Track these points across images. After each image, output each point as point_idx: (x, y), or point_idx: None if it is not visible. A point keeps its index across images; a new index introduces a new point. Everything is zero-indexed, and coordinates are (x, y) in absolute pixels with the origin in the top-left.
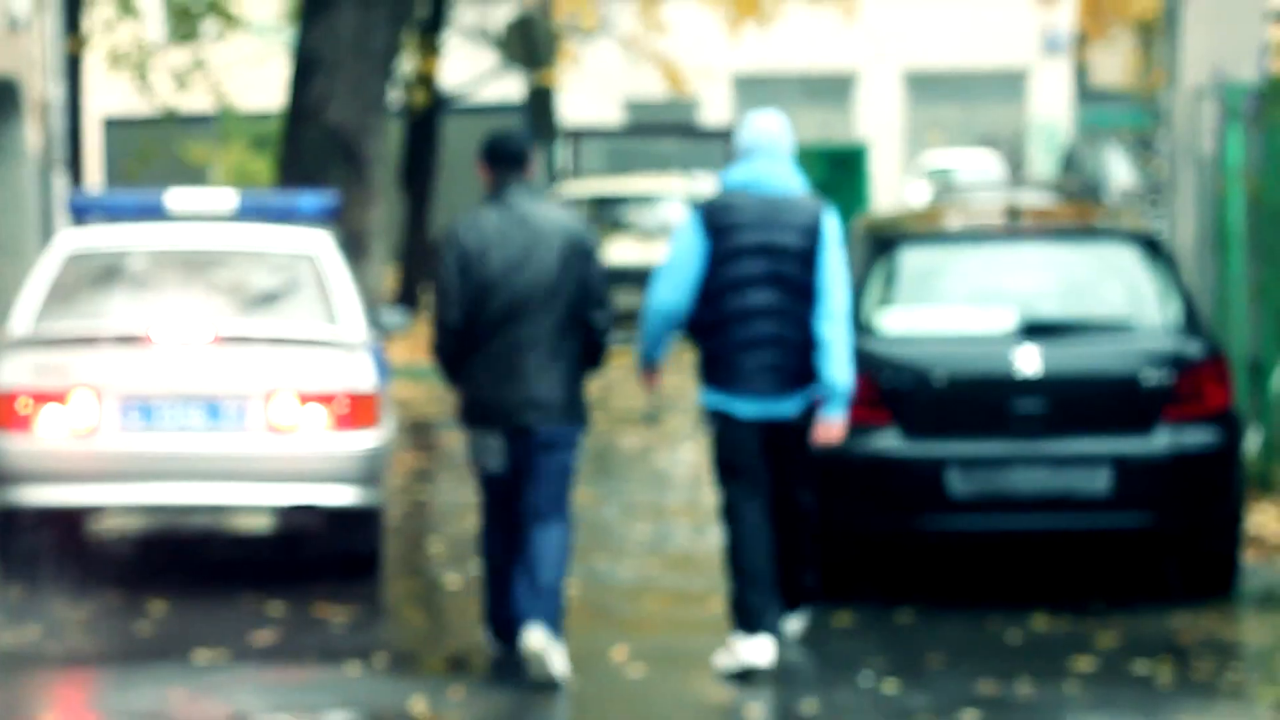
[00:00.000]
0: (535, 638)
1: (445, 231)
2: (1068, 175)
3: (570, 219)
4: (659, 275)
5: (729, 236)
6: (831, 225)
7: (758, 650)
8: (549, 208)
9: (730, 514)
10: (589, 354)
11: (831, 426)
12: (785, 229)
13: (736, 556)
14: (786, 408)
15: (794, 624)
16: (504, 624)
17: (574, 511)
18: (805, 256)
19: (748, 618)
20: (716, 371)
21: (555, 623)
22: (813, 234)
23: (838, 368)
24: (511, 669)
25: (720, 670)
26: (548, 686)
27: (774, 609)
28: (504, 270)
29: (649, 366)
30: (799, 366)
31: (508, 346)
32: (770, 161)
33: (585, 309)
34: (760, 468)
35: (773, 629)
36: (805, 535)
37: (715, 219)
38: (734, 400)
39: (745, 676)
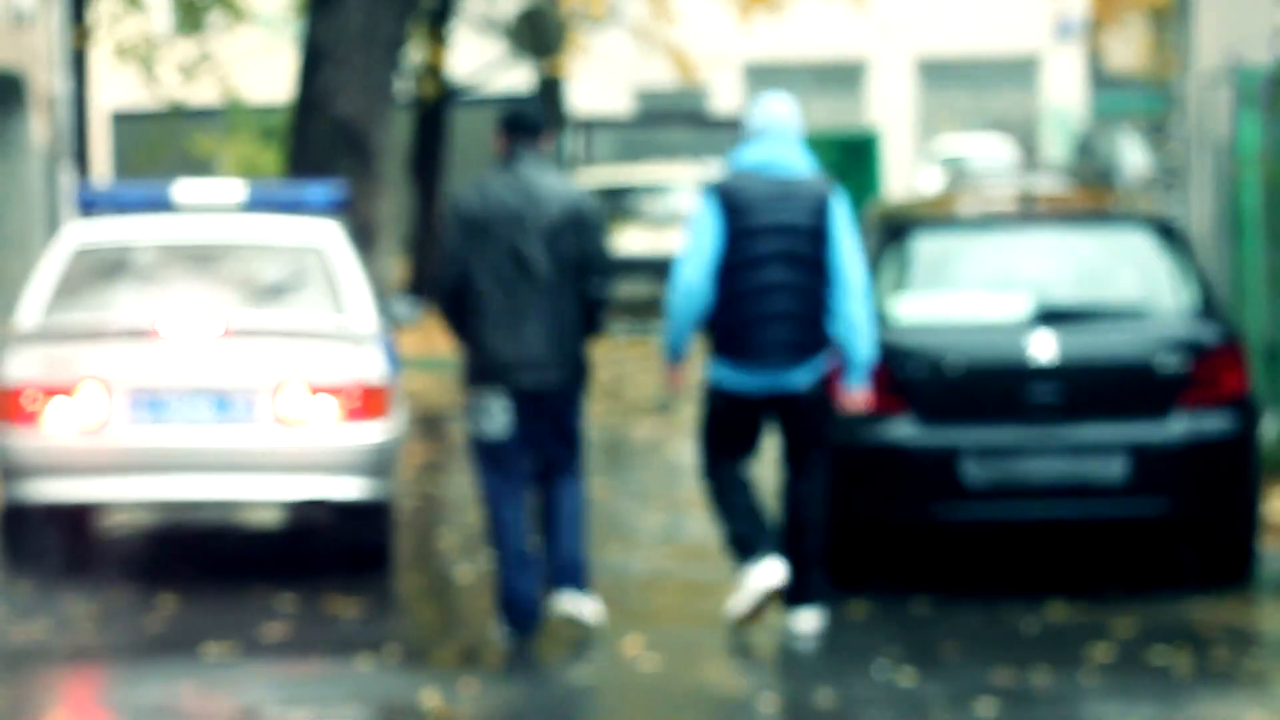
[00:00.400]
0: (563, 601)
1: (451, 194)
2: (1081, 161)
3: (574, 189)
4: (682, 260)
5: (743, 216)
6: (840, 204)
7: (767, 574)
8: (555, 178)
9: (711, 471)
10: (588, 321)
11: (856, 396)
12: (796, 209)
13: (722, 500)
14: (797, 378)
15: (805, 621)
16: (517, 609)
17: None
18: (816, 234)
19: (746, 546)
20: (729, 345)
21: (581, 589)
22: (822, 213)
23: (860, 339)
24: (524, 661)
25: (738, 614)
26: (586, 638)
27: (768, 536)
28: (503, 232)
29: (675, 357)
30: (811, 339)
31: (508, 307)
32: (780, 144)
33: (584, 276)
34: (751, 445)
35: (773, 551)
36: (813, 535)
37: (730, 199)
38: (745, 374)
39: (764, 606)
